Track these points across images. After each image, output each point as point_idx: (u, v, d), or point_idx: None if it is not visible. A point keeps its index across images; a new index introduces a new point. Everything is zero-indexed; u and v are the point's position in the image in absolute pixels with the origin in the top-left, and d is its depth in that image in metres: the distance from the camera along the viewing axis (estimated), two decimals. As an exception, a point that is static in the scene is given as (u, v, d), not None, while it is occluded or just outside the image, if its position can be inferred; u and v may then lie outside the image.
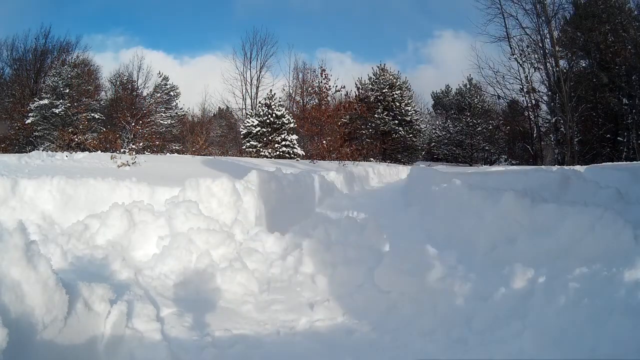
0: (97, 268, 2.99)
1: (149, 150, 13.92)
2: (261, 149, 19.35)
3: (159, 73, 26.13)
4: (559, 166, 11.80)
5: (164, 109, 25.41)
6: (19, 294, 1.68)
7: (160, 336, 2.29)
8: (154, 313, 2.49)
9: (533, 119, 21.47)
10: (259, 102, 23.41)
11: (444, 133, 29.42)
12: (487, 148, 28.85)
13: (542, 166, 13.63)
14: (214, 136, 26.79)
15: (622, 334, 1.67)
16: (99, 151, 9.19)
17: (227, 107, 30.37)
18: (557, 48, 19.41)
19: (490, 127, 27.64)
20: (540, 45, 19.89)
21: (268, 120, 20.10)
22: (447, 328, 2.47)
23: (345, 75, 50.86)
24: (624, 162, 12.36)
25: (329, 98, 21.53)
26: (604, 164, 10.94)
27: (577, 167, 7.81)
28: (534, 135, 21.65)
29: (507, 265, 2.66)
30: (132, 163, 5.62)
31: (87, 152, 7.48)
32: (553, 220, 2.77)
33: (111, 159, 5.66)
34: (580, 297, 1.99)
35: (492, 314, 2.38)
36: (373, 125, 25.53)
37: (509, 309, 2.36)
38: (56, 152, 7.53)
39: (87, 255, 3.13)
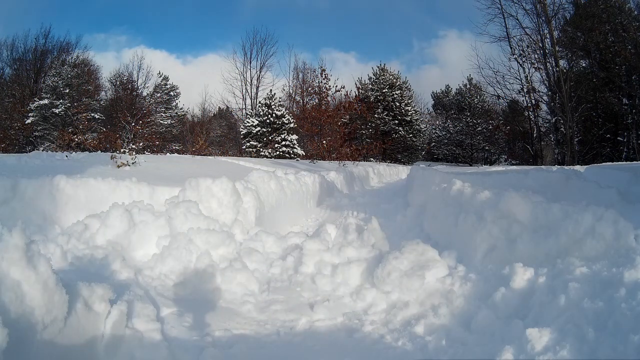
0: (97, 268, 2.99)
1: (149, 150, 13.93)
2: (261, 149, 19.36)
3: (159, 73, 26.22)
4: (559, 166, 11.79)
5: (164, 109, 25.48)
6: (19, 294, 1.68)
7: (160, 336, 2.29)
8: (154, 313, 2.49)
9: (533, 119, 21.44)
10: (259, 102, 23.42)
11: (444, 133, 29.40)
12: (487, 148, 28.83)
13: (542, 166, 13.62)
14: (214, 136, 26.81)
15: (623, 334, 1.67)
16: (99, 151, 9.19)
17: (227, 107, 30.38)
18: (557, 48, 19.38)
19: (490, 127, 27.61)
20: (540, 45, 19.86)
21: (268, 120, 20.11)
22: (447, 328, 2.47)
23: (349, 75, 50.72)
24: (624, 162, 12.34)
25: (329, 98, 21.56)
26: (604, 164, 10.93)
27: (577, 167, 7.80)
28: (534, 135, 21.62)
29: (507, 265, 2.67)
30: (132, 163, 5.60)
31: (87, 152, 7.47)
32: (554, 220, 2.77)
33: (111, 159, 5.64)
34: (581, 297, 1.99)
35: (492, 314, 2.38)
36: (373, 125, 25.55)
37: (509, 309, 2.37)
38: (56, 152, 7.53)
39: (87, 255, 3.13)
